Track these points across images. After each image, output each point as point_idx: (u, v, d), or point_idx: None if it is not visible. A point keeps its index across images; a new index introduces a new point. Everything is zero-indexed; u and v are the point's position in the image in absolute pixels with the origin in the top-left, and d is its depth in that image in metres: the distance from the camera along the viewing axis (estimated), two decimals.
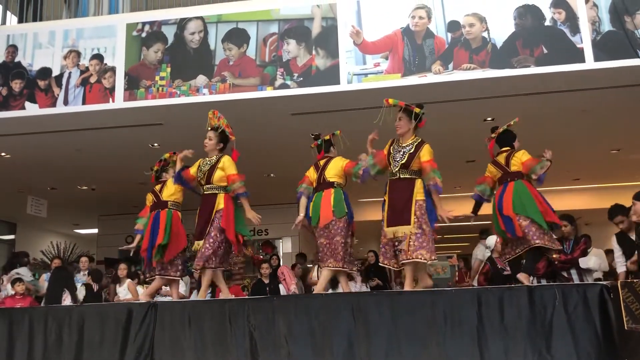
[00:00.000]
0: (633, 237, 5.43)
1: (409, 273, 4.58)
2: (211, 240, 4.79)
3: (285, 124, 7.20)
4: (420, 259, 4.39)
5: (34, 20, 7.68)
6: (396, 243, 4.51)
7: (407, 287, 4.62)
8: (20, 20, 7.87)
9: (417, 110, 4.65)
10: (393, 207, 4.54)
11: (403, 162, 4.55)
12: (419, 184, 4.54)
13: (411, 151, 4.57)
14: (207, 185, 4.88)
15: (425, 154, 4.56)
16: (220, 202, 4.84)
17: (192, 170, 5.07)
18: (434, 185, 4.49)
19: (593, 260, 5.66)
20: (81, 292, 7.00)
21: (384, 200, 4.65)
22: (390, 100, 4.70)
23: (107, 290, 8.12)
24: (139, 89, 6.80)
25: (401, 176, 4.56)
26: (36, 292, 7.40)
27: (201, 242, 4.82)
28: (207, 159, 5.01)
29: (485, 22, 6.38)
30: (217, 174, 4.88)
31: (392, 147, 4.68)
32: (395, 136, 4.77)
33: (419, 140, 4.65)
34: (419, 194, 4.51)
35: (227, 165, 4.90)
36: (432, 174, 4.50)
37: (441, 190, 4.52)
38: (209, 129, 5.08)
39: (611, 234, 5.79)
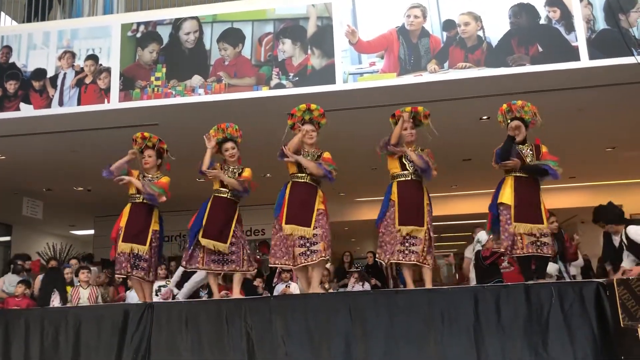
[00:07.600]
0: (616, 240, 5.43)
1: (429, 275, 4.72)
2: (240, 245, 4.99)
3: (281, 124, 7.18)
4: (426, 264, 4.65)
5: (29, 20, 7.65)
6: (405, 242, 4.62)
7: (428, 286, 4.73)
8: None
9: (426, 122, 4.89)
10: (407, 206, 4.66)
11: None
12: (425, 188, 4.78)
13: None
14: (233, 192, 5.01)
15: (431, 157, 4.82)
16: (237, 209, 5.07)
17: None
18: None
19: (550, 265, 5.65)
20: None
21: (392, 200, 4.71)
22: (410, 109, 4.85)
23: (107, 291, 8.07)
24: (134, 90, 6.79)
25: (413, 178, 4.73)
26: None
27: (218, 243, 4.88)
28: (231, 167, 5.08)
29: (480, 20, 6.39)
30: None
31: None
32: None
33: (420, 147, 4.86)
34: (426, 199, 4.73)
35: (249, 176, 5.10)
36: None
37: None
38: (226, 139, 5.09)
39: None
